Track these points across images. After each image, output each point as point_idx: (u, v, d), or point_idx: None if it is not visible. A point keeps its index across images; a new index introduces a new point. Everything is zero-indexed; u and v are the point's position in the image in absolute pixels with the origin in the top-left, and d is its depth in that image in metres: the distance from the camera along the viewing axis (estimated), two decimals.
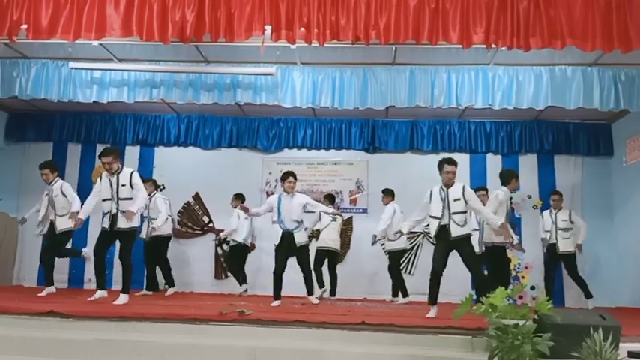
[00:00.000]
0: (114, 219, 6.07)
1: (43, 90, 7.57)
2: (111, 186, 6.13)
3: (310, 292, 6.85)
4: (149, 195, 7.85)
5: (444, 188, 5.78)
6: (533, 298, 8.56)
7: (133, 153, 9.94)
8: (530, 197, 9.32)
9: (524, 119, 9.31)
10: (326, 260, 8.23)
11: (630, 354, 3.50)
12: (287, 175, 6.83)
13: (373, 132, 9.62)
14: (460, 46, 5.52)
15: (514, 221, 9.18)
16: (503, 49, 5.66)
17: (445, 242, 5.66)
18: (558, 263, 8.06)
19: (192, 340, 4.17)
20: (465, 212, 5.72)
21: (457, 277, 8.90)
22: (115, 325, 4.50)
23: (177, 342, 4.14)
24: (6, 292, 7.12)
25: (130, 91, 7.71)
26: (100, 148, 9.87)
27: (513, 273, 8.96)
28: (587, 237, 8.99)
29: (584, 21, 5.34)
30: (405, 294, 7.89)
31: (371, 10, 5.42)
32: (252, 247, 8.88)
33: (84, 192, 9.70)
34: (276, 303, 6.48)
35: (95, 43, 6.37)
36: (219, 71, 7.52)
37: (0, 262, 9.17)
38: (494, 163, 9.50)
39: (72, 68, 7.42)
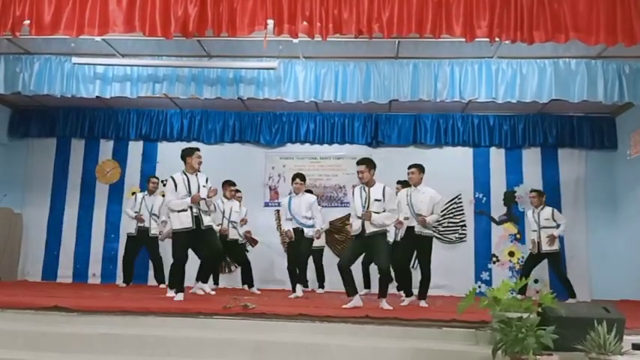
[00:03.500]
0: (197, 219, 5.96)
1: (46, 86, 7.58)
2: (190, 185, 6.01)
3: (293, 287, 7.09)
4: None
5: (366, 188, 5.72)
6: (537, 292, 8.56)
7: (136, 148, 9.97)
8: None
9: (527, 113, 9.28)
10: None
11: (635, 346, 3.50)
12: (294, 177, 7.22)
13: (376, 126, 9.62)
14: (463, 39, 5.51)
15: (517, 215, 9.17)
16: (506, 42, 5.64)
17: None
18: (538, 262, 7.94)
19: (196, 334, 4.18)
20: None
21: (459, 271, 9.02)
22: (119, 319, 4.51)
23: (182, 336, 4.15)
24: (11, 288, 7.15)
25: (132, 86, 7.71)
26: (103, 143, 10.00)
27: (517, 267, 8.97)
28: (591, 229, 9.06)
29: (588, 14, 5.32)
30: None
31: (374, 4, 5.41)
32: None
33: (87, 188, 9.83)
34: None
35: (98, 38, 6.37)
36: (222, 66, 7.52)
37: (5, 257, 9.20)
38: (497, 156, 9.50)
39: (75, 64, 7.42)
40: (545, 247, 7.70)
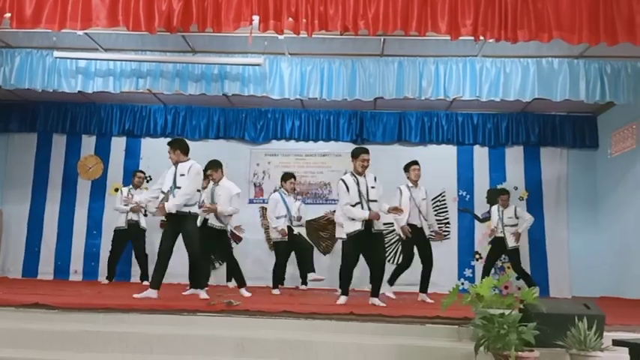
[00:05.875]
0: (369, 223, 5.70)
1: (27, 80, 7.45)
2: (359, 187, 5.73)
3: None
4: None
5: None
6: (519, 288, 8.65)
7: (119, 144, 9.87)
8: (516, 189, 9.38)
9: (511, 111, 9.37)
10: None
11: (615, 342, 3.55)
12: (288, 177, 7.67)
13: (361, 123, 9.63)
14: (448, 37, 5.54)
15: None
16: (491, 40, 5.68)
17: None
18: (500, 256, 8.47)
19: (180, 331, 4.16)
20: None
21: (443, 268, 9.07)
22: (101, 316, 4.47)
23: (165, 333, 4.12)
24: None
25: (115, 81, 7.62)
26: (85, 138, 9.88)
27: (499, 264, 9.05)
28: (573, 227, 9.20)
29: (571, 13, 5.38)
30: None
31: (359, 0, 5.41)
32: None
33: (69, 184, 9.72)
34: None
35: (80, 32, 6.28)
36: (207, 62, 7.46)
37: None
38: (481, 154, 9.57)
39: (56, 58, 7.31)
40: (511, 244, 8.08)
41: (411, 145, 9.57)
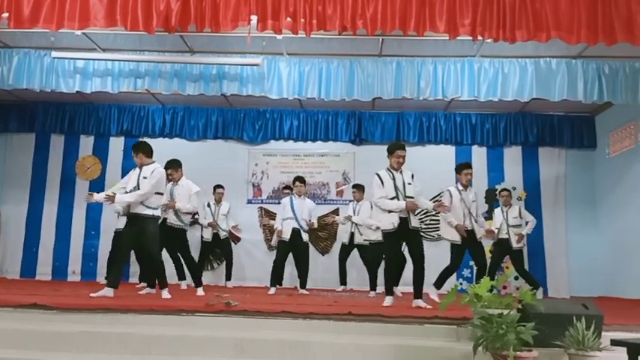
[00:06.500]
0: (405, 220, 5.60)
1: (25, 80, 7.44)
2: (395, 182, 5.65)
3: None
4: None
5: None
6: (517, 288, 8.66)
7: (117, 144, 9.86)
8: (514, 189, 9.38)
9: (509, 111, 9.38)
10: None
11: (613, 342, 3.56)
12: (295, 180, 7.80)
13: (359, 124, 9.64)
14: (446, 37, 5.54)
15: None
16: (489, 40, 5.68)
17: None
18: (505, 258, 8.28)
19: (178, 332, 4.15)
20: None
21: (441, 268, 9.05)
22: (100, 317, 4.45)
23: (164, 334, 4.11)
24: None
25: (113, 81, 7.60)
26: (83, 139, 9.88)
27: None
28: (571, 227, 9.19)
29: (569, 13, 5.37)
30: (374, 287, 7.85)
31: (358, 0, 5.41)
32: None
33: (67, 184, 9.71)
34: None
35: (78, 32, 6.27)
36: (205, 62, 7.46)
37: None
38: (479, 154, 9.58)
39: (54, 58, 7.30)
40: (515, 245, 7.95)
41: (410, 145, 9.48)
